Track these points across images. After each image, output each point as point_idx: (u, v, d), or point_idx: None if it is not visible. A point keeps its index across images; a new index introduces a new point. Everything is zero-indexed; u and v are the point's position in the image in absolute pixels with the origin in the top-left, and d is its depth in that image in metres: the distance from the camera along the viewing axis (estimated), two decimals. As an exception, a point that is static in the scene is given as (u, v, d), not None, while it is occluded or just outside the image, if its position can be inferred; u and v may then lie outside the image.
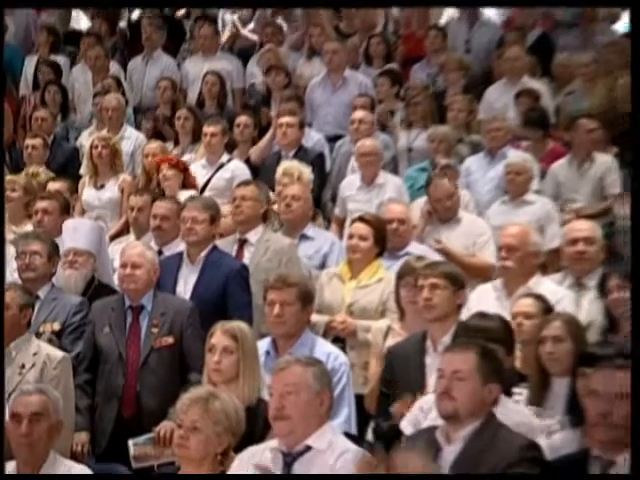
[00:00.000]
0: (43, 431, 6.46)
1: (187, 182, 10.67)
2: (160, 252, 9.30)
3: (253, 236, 9.41)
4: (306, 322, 7.73)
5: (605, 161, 10.79)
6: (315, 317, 8.14)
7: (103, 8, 14.26)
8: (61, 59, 14.02)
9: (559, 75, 12.71)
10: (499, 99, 12.28)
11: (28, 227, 9.72)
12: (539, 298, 7.55)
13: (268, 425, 6.04)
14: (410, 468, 5.34)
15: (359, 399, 7.83)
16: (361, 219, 9.14)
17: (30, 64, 13.97)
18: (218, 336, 7.05)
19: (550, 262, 8.86)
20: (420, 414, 6.32)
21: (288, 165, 10.74)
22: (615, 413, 5.55)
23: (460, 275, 7.62)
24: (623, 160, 10.77)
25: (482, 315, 7.10)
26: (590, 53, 12.77)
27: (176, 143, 11.93)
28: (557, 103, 12.25)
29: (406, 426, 6.25)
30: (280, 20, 15.06)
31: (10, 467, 6.56)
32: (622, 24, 13.91)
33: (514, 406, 6.44)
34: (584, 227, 8.66)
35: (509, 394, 6.53)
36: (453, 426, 5.72)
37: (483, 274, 8.74)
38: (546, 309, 7.39)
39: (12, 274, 8.74)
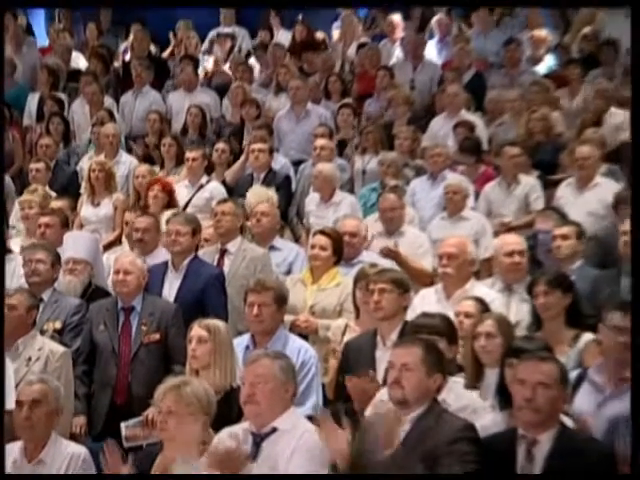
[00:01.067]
0: (42, 415, 6.52)
1: (172, 202, 10.65)
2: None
3: (232, 246, 9.46)
4: (281, 321, 7.84)
5: (529, 182, 10.80)
6: (285, 317, 8.10)
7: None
8: (62, 95, 13.98)
9: (490, 109, 12.75)
10: (440, 129, 12.30)
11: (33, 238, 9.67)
12: (478, 300, 7.59)
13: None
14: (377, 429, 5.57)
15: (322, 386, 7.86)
16: (321, 232, 9.19)
17: (33, 99, 13.97)
18: (195, 329, 7.14)
19: (483, 269, 8.83)
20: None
21: (257, 190, 10.76)
22: (538, 398, 5.58)
23: (405, 280, 7.70)
24: (614, 175, 10.78)
25: (426, 314, 7.17)
26: (516, 91, 12.85)
27: (162, 166, 11.95)
28: (489, 133, 12.30)
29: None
30: (252, 60, 15.02)
31: (16, 447, 6.55)
32: (543, 66, 13.93)
33: (463, 391, 6.55)
34: (517, 241, 8.69)
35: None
36: (402, 410, 5.72)
37: (423, 279, 8.70)
38: (484, 310, 7.42)
39: (19, 279, 8.71)
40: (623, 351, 6.46)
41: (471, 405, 6.36)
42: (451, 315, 7.35)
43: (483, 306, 7.49)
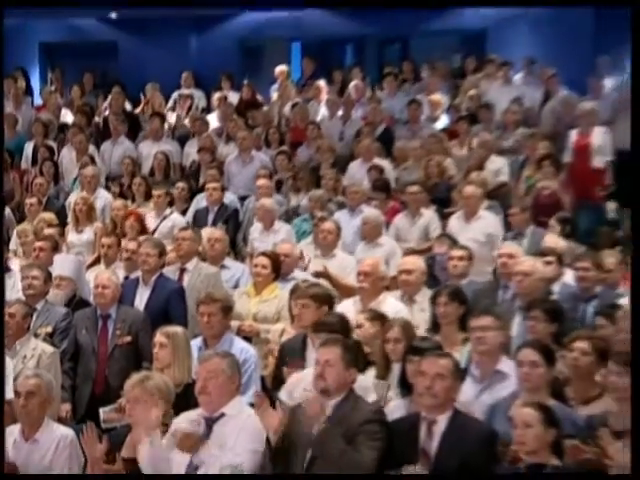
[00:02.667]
0: (36, 404, 6.46)
1: (144, 229, 10.61)
2: (127, 277, 9.33)
3: (190, 265, 9.44)
4: (227, 326, 7.82)
5: (428, 214, 10.80)
6: (231, 322, 8.08)
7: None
8: (53, 143, 13.90)
9: (397, 156, 12.76)
10: (357, 172, 12.29)
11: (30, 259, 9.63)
12: (374, 312, 7.64)
13: (198, 398, 6.03)
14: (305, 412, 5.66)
15: (261, 379, 7.85)
16: (263, 254, 9.19)
17: (29, 147, 13.85)
18: (157, 336, 7.07)
19: (392, 285, 8.84)
20: (292, 389, 6.33)
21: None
22: (436, 387, 5.64)
23: (324, 296, 7.76)
24: (493, 209, 10.91)
25: (329, 314, 7.32)
26: (417, 141, 12.87)
27: (133, 201, 11.86)
28: (396, 175, 12.30)
29: (283, 395, 6.30)
30: (211, 115, 15.02)
31: (15, 429, 6.52)
32: (439, 122, 14.00)
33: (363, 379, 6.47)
34: (411, 261, 8.75)
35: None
36: (325, 398, 5.73)
37: (349, 292, 8.67)
38: (381, 316, 7.46)
39: (17, 292, 8.66)
40: (495, 349, 6.59)
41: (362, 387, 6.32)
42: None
43: (380, 314, 7.53)
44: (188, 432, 5.73)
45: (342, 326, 6.89)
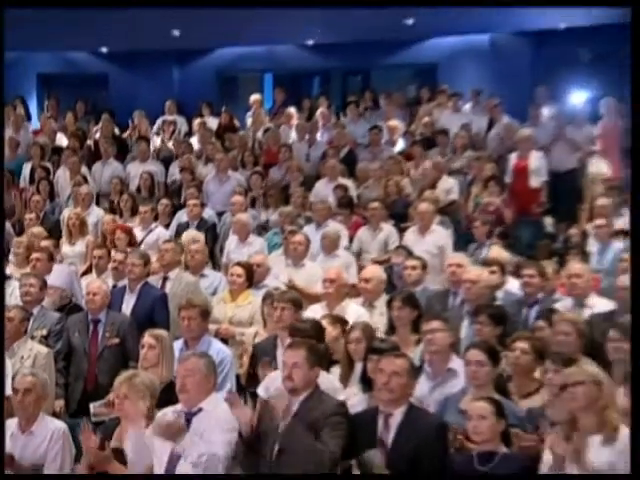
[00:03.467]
0: (32, 400, 6.43)
1: (132, 241, 10.58)
2: (115, 285, 9.27)
3: (172, 274, 9.37)
4: (206, 329, 7.80)
5: (387, 228, 10.83)
6: (209, 326, 8.06)
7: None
8: (48, 164, 13.86)
9: (359, 176, 12.79)
10: (323, 190, 12.30)
11: (27, 269, 9.53)
12: (335, 316, 7.66)
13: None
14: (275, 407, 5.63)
15: (236, 377, 7.85)
16: (238, 264, 9.21)
17: (27, 167, 13.83)
18: (146, 337, 7.03)
19: (352, 292, 8.84)
20: (269, 385, 6.31)
21: (192, 233, 10.71)
22: (392, 383, 5.64)
23: (299, 300, 7.70)
24: (444, 224, 10.94)
25: (303, 321, 7.22)
26: (378, 163, 12.92)
27: (121, 216, 11.83)
28: (358, 193, 12.32)
29: (261, 391, 6.25)
30: (192, 139, 14.98)
31: (13, 422, 6.48)
32: (398, 146, 14.03)
33: (330, 379, 6.49)
34: (368, 270, 8.79)
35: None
36: (293, 395, 5.71)
37: (314, 299, 8.67)
38: (341, 320, 7.48)
39: (16, 299, 8.61)
40: (444, 349, 6.61)
41: (336, 388, 6.38)
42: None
43: (342, 319, 7.54)
44: (172, 421, 5.72)
45: (316, 331, 6.86)
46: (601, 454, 5.14)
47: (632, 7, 7.06)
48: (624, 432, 5.20)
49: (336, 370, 6.95)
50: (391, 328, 7.65)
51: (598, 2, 12.33)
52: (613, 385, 5.53)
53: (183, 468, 5.64)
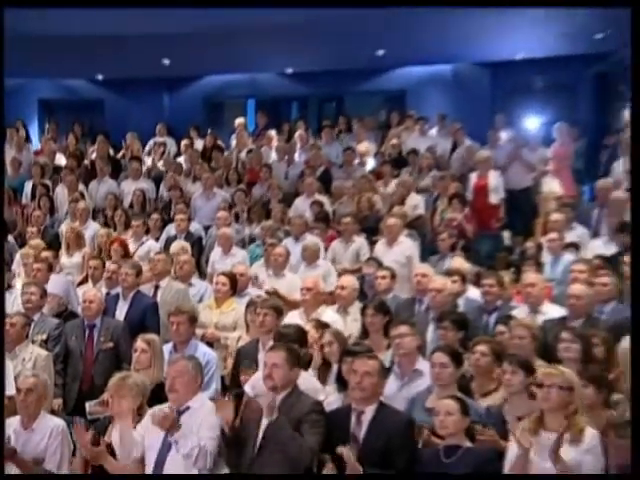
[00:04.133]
0: (34, 400, 6.42)
1: (127, 253, 10.55)
2: (108, 293, 9.21)
3: (163, 283, 9.40)
4: (193, 334, 7.80)
5: (359, 241, 10.80)
6: (196, 330, 8.05)
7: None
8: (48, 182, 13.81)
9: (334, 193, 12.78)
10: (301, 206, 12.30)
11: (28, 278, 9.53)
12: (319, 321, 7.63)
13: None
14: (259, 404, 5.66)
15: (221, 378, 7.85)
16: (222, 274, 9.16)
17: (29, 185, 13.75)
18: (139, 342, 7.03)
19: (329, 299, 8.84)
20: (255, 384, 6.29)
21: (181, 244, 10.69)
22: (364, 383, 5.67)
23: (280, 307, 7.70)
24: (412, 236, 10.87)
25: (286, 326, 7.22)
26: (351, 181, 12.92)
27: (115, 229, 11.77)
28: (333, 209, 12.32)
29: (248, 390, 6.23)
30: (180, 159, 14.95)
31: (15, 420, 6.46)
32: (369, 166, 14.04)
33: (312, 380, 6.51)
34: (342, 279, 8.81)
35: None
36: (274, 394, 5.71)
37: (294, 306, 8.66)
38: (324, 325, 7.45)
39: (18, 306, 8.59)
40: (412, 352, 6.63)
41: (316, 389, 6.38)
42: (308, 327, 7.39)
43: (321, 323, 7.53)
44: (167, 413, 5.71)
45: (298, 335, 6.85)
46: (567, 452, 5.12)
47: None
48: (590, 433, 5.19)
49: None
50: (364, 333, 7.66)
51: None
52: (584, 391, 5.55)
53: (174, 458, 5.67)
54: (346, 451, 5.41)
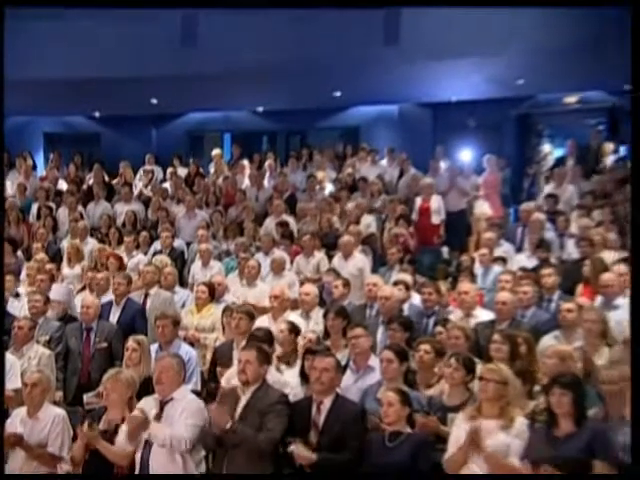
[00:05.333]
0: (38, 392, 6.37)
1: (121, 265, 10.47)
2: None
3: (151, 291, 9.30)
4: (176, 335, 7.72)
5: (319, 255, 10.73)
6: (179, 332, 8.00)
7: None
8: (52, 204, 13.68)
9: (298, 214, 12.72)
10: (270, 225, 12.26)
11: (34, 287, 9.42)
12: (289, 322, 7.55)
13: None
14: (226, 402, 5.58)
15: (200, 373, 7.78)
16: (202, 283, 9.15)
17: (34, 207, 13.63)
18: (130, 342, 7.02)
19: (294, 305, 8.82)
20: (230, 378, 6.29)
21: (165, 259, 10.63)
22: (323, 377, 5.66)
23: (252, 312, 7.66)
24: (365, 252, 10.59)
25: (258, 329, 7.17)
26: (313, 203, 12.91)
27: (110, 245, 11.69)
28: (298, 227, 12.26)
29: (223, 382, 6.24)
30: (166, 184, 14.89)
31: (22, 410, 6.41)
32: (328, 191, 14.06)
33: (278, 375, 6.47)
34: (305, 287, 8.77)
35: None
36: (245, 387, 5.71)
37: (263, 312, 8.59)
38: (296, 327, 7.41)
39: (25, 311, 8.54)
40: (365, 350, 6.63)
41: (282, 382, 6.34)
42: (274, 329, 7.36)
43: (293, 326, 7.46)
44: (135, 416, 5.72)
45: (268, 337, 6.85)
46: (499, 437, 5.19)
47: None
48: (519, 421, 5.25)
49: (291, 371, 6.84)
50: (326, 334, 7.64)
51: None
52: (517, 385, 5.57)
53: (156, 449, 5.65)
54: (296, 448, 5.42)
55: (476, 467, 5.19)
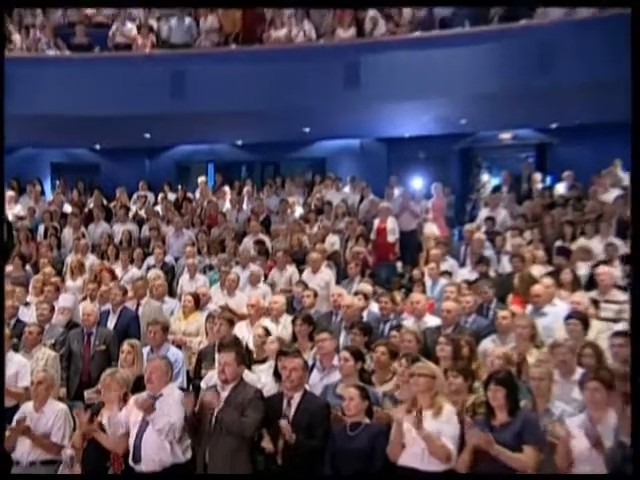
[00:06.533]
0: (44, 389, 6.39)
1: (113, 277, 10.35)
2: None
3: (143, 301, 9.27)
4: (165, 339, 7.67)
5: (291, 269, 10.69)
6: (168, 336, 7.95)
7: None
8: (57, 224, 13.54)
9: (272, 234, 12.66)
10: (248, 243, 12.11)
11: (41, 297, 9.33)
12: (264, 327, 7.56)
13: (146, 385, 5.88)
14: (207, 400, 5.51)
15: (186, 372, 7.78)
16: (189, 293, 9.14)
17: (42, 227, 13.48)
18: (124, 346, 6.98)
19: (266, 312, 8.78)
20: (208, 380, 6.27)
21: (156, 273, 10.57)
22: (292, 376, 5.66)
23: (232, 319, 7.66)
24: (329, 266, 10.76)
25: (234, 337, 6.91)
26: (285, 225, 12.89)
27: (108, 260, 11.59)
28: (272, 245, 12.18)
29: (203, 383, 6.20)
30: (157, 207, 14.78)
31: (30, 404, 6.36)
32: (297, 214, 14.05)
33: (253, 376, 6.45)
34: (276, 297, 8.77)
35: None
36: (224, 385, 5.68)
37: (242, 318, 8.58)
38: (268, 332, 7.41)
39: (34, 318, 8.50)
40: (330, 352, 6.60)
41: (256, 381, 6.34)
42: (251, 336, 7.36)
43: (266, 331, 7.48)
44: (145, 399, 5.67)
45: (237, 342, 6.74)
46: (431, 423, 5.21)
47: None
48: (447, 409, 5.29)
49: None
50: (294, 338, 7.64)
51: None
52: (443, 379, 5.63)
53: (150, 432, 5.61)
54: (284, 423, 5.43)
55: (416, 450, 5.19)
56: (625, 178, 12.77)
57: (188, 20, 14.62)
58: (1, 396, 6.42)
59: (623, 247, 9.74)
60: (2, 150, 8.06)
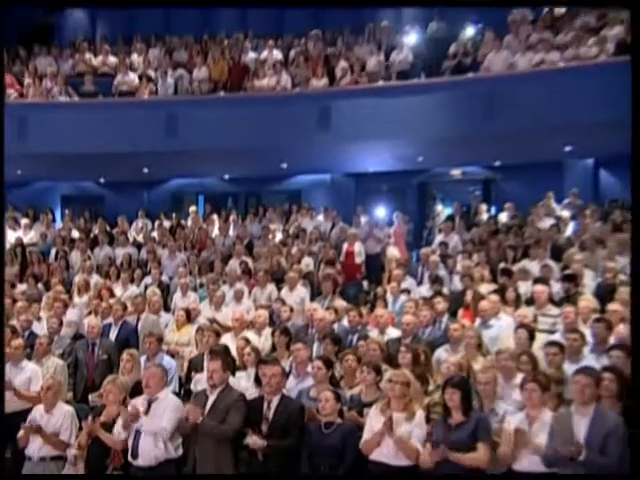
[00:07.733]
0: (52, 394, 6.29)
1: (112, 295, 10.25)
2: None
3: (142, 316, 9.21)
4: (160, 349, 7.63)
5: (271, 287, 10.62)
6: (163, 346, 7.90)
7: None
8: (66, 248, 13.39)
9: (255, 256, 12.54)
10: (234, 264, 12.02)
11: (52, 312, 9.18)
12: (247, 339, 7.48)
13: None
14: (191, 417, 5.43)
15: (179, 378, 7.71)
16: (182, 309, 9.08)
17: (53, 250, 13.35)
18: (124, 355, 6.92)
19: (250, 325, 8.73)
20: (197, 384, 6.22)
21: (153, 290, 10.45)
22: (272, 382, 5.60)
23: (218, 331, 7.66)
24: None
25: (220, 345, 6.90)
26: (266, 247, 12.76)
27: (110, 279, 11.48)
28: (254, 266, 12.01)
29: (192, 386, 6.14)
30: (154, 233, 14.64)
31: (40, 407, 6.28)
32: (277, 239, 14.01)
33: (236, 382, 6.39)
34: (259, 312, 8.67)
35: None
36: (212, 389, 5.64)
37: (228, 330, 8.52)
38: (248, 341, 7.33)
39: (45, 331, 8.39)
40: (304, 360, 6.55)
41: (237, 384, 6.26)
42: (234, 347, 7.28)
43: (248, 342, 7.40)
44: (129, 412, 5.62)
45: (226, 350, 6.69)
46: (403, 426, 5.21)
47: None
48: (418, 414, 5.30)
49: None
50: (273, 348, 7.61)
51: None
52: (418, 386, 5.64)
53: (144, 436, 5.54)
54: (251, 440, 5.37)
55: (386, 449, 5.19)
56: (557, 209, 13.09)
57: (180, 71, 14.78)
58: (1, 396, 6.34)
59: (556, 268, 9.86)
60: (2, 184, 7.99)
